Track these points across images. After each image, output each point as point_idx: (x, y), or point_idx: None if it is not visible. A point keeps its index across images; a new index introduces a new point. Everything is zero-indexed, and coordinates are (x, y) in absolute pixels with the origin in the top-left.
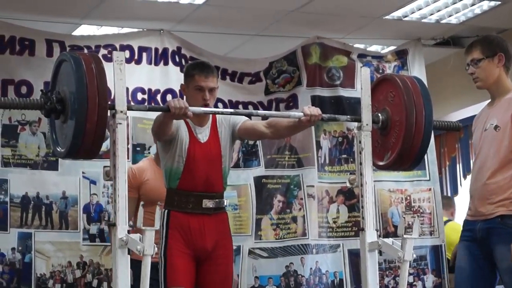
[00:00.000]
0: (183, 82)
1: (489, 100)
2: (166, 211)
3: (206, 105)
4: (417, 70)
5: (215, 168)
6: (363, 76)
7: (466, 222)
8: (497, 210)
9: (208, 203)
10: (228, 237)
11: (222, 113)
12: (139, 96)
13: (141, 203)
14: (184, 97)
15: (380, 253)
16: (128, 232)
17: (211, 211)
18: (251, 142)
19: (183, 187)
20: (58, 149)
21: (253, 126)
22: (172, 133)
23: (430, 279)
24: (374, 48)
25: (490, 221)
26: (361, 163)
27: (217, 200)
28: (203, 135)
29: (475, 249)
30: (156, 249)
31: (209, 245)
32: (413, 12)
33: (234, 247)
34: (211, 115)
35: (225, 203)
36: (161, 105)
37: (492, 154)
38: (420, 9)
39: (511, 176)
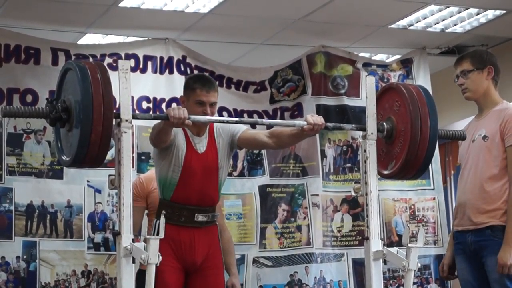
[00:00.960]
0: (182, 94)
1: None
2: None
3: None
4: (422, 79)
5: (211, 180)
6: (368, 85)
7: (456, 235)
8: (488, 220)
9: (200, 217)
10: (218, 248)
11: (228, 122)
12: (144, 105)
13: (145, 212)
14: None
15: (385, 262)
16: (133, 240)
17: (202, 224)
18: (255, 151)
19: (177, 199)
20: (63, 158)
21: (254, 136)
22: (170, 140)
23: None
24: (379, 57)
25: (481, 233)
26: (366, 172)
27: (209, 214)
28: (201, 145)
29: (472, 259)
30: (160, 258)
31: (199, 258)
32: (418, 21)
33: (239, 256)
34: (208, 125)
35: (216, 215)
36: None
37: (481, 164)
38: (425, 18)
39: (501, 186)
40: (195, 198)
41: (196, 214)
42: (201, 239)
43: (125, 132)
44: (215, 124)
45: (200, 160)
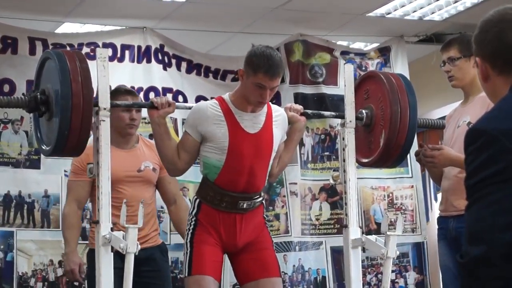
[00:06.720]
0: (242, 68)
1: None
2: (198, 200)
3: (261, 103)
4: (400, 67)
5: (262, 165)
6: (347, 73)
7: (439, 220)
8: None
9: (243, 204)
10: (263, 229)
11: None
12: None
13: (124, 200)
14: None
15: (363, 250)
16: (112, 229)
17: (246, 210)
18: None
19: (220, 184)
20: (43, 147)
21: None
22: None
23: (412, 276)
24: (357, 45)
25: (462, 220)
26: (344, 160)
27: (255, 199)
28: (252, 122)
29: (453, 246)
30: (139, 246)
31: (241, 243)
32: (396, 9)
33: None
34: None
35: (262, 198)
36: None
37: None
38: (403, 6)
39: None
40: (241, 185)
41: (239, 202)
42: (244, 225)
43: (103, 120)
44: (273, 105)
45: (251, 142)
